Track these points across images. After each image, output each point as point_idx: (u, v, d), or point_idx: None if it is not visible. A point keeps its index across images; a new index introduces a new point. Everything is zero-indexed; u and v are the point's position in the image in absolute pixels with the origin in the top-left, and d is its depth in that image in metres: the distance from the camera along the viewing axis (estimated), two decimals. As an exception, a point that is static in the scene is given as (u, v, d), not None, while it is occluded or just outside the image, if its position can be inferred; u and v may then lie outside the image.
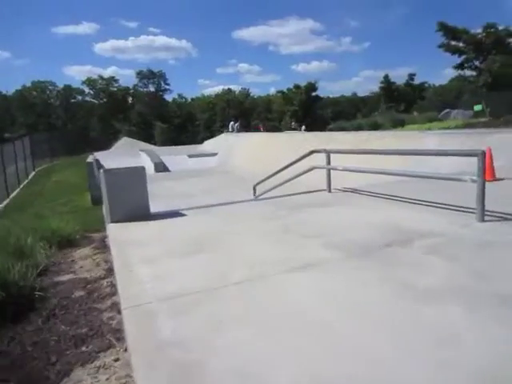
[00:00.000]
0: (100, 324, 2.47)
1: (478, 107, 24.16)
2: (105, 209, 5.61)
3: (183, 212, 5.26)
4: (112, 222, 4.81)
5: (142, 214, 4.95)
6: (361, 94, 74.58)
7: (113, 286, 3.09)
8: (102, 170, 4.92)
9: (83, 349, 2.19)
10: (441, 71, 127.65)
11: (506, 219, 4.05)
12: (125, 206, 4.86)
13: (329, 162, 6.19)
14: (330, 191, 6.24)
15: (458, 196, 5.00)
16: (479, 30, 23.39)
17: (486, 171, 4.54)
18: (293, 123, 38.03)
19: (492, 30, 22.99)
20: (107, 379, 1.91)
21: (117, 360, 2.06)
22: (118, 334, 2.32)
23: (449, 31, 23.21)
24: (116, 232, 4.38)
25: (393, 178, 6.61)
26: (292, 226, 4.24)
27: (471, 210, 4.23)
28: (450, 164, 8.26)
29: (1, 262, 3.15)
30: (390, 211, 4.77)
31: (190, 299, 2.52)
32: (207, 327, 2.15)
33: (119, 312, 2.57)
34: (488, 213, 4.06)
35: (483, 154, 3.92)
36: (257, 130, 33.19)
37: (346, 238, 3.73)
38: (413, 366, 1.76)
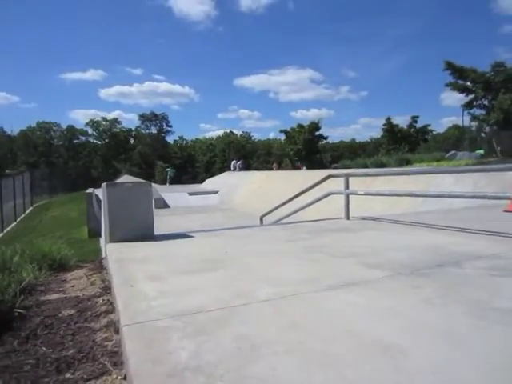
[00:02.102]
0: (92, 346, 1.89)
1: (479, 151, 24.27)
2: (104, 229, 5.10)
3: (190, 234, 4.74)
4: (111, 241, 4.27)
5: (146, 234, 4.41)
6: (360, 140, 75.93)
7: (110, 303, 2.52)
8: (104, 184, 4.45)
9: (67, 375, 1.62)
10: (438, 121, 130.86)
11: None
12: (127, 224, 4.34)
13: (347, 187, 5.75)
14: (348, 218, 5.74)
15: (487, 224, 4.57)
16: (488, 69, 23.79)
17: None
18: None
19: (501, 68, 23.33)
20: (99, 417, 1.34)
21: (113, 391, 1.49)
22: (115, 357, 1.75)
23: (456, 70, 23.57)
24: (115, 250, 3.84)
25: (407, 209, 6.15)
26: (317, 248, 3.72)
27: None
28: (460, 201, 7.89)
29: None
30: (425, 235, 4.28)
31: (210, 317, 1.97)
32: (235, 351, 1.60)
33: (117, 332, 2.01)
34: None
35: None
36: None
37: (385, 258, 3.20)
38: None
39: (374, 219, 5.70)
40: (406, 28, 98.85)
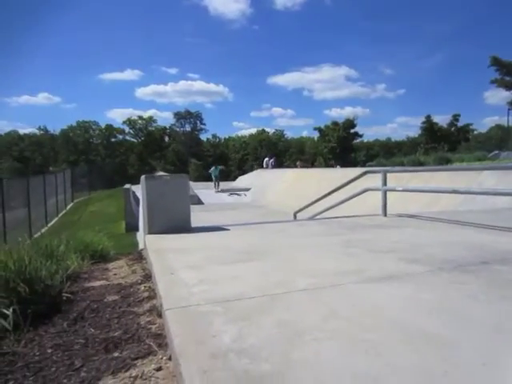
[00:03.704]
0: (137, 328, 1.96)
1: None
2: (142, 221, 5.25)
3: (226, 227, 4.81)
4: (150, 233, 4.40)
5: (183, 226, 4.52)
6: (396, 139, 73.92)
7: (151, 290, 2.61)
8: (143, 177, 4.59)
9: (115, 354, 1.69)
10: (480, 120, 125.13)
11: None
12: (165, 216, 4.45)
13: (385, 183, 5.63)
14: (385, 215, 5.63)
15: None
16: None
17: None
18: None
19: None
20: (147, 392, 1.39)
21: (159, 369, 1.54)
22: (159, 339, 1.81)
23: (503, 66, 22.43)
24: (154, 241, 3.95)
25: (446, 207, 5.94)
26: (354, 242, 3.67)
27: None
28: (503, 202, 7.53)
29: (29, 256, 2.76)
30: (467, 233, 4.13)
31: (250, 304, 2.00)
32: (278, 336, 1.61)
33: (160, 316, 2.08)
34: None
35: None
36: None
37: (425, 254, 3.12)
38: None
39: (412, 216, 5.55)
40: (447, 25, 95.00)
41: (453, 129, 33.44)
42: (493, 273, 2.57)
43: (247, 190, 23.34)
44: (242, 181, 27.63)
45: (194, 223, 4.90)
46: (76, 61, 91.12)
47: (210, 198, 21.05)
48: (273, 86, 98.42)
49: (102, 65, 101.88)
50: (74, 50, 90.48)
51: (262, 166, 29.93)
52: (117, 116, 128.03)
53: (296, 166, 32.76)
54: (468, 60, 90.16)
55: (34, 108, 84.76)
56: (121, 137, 70.29)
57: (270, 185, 22.08)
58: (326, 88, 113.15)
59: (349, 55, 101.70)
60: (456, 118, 33.70)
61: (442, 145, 29.63)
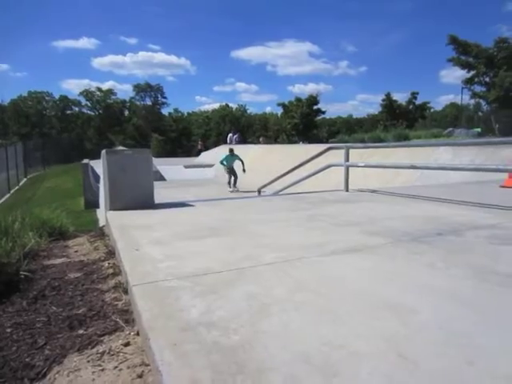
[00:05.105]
0: (102, 305, 1.93)
1: (476, 129, 24.34)
2: (103, 197, 5.09)
3: (191, 203, 4.76)
4: (111, 209, 4.28)
5: (146, 202, 4.42)
6: (357, 116, 75.27)
7: (116, 266, 2.55)
8: (104, 151, 4.41)
9: (80, 332, 1.65)
10: (436, 99, 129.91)
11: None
12: (127, 192, 4.33)
13: (347, 159, 5.75)
14: (347, 190, 5.78)
15: (485, 198, 4.61)
16: (491, 46, 23.46)
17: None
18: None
19: (504, 44, 23.05)
20: (116, 367, 1.37)
21: (127, 345, 1.53)
22: (126, 315, 1.79)
23: (460, 45, 23.22)
24: (117, 217, 3.85)
25: (404, 183, 6.17)
26: (318, 217, 3.75)
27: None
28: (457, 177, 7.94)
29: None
30: (424, 207, 4.32)
31: (217, 278, 2.01)
32: (246, 309, 1.64)
33: (126, 292, 2.05)
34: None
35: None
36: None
37: (385, 226, 3.24)
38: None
39: (373, 191, 5.73)
40: (409, 3, 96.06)
41: (411, 106, 34.57)
42: (448, 243, 2.72)
43: (211, 166, 23.11)
44: (206, 157, 27.30)
45: (158, 200, 4.81)
46: (26, 25, 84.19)
47: (173, 175, 20.71)
48: (236, 61, 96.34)
49: (54, 31, 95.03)
50: (24, 13, 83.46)
51: (225, 142, 29.67)
52: (72, 87, 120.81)
53: (259, 142, 32.64)
54: (428, 38, 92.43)
55: (-21, 76, 78.23)
56: (77, 109, 66.78)
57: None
58: (289, 64, 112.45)
59: (312, 31, 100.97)
60: (414, 95, 34.87)
61: (401, 122, 30.56)
